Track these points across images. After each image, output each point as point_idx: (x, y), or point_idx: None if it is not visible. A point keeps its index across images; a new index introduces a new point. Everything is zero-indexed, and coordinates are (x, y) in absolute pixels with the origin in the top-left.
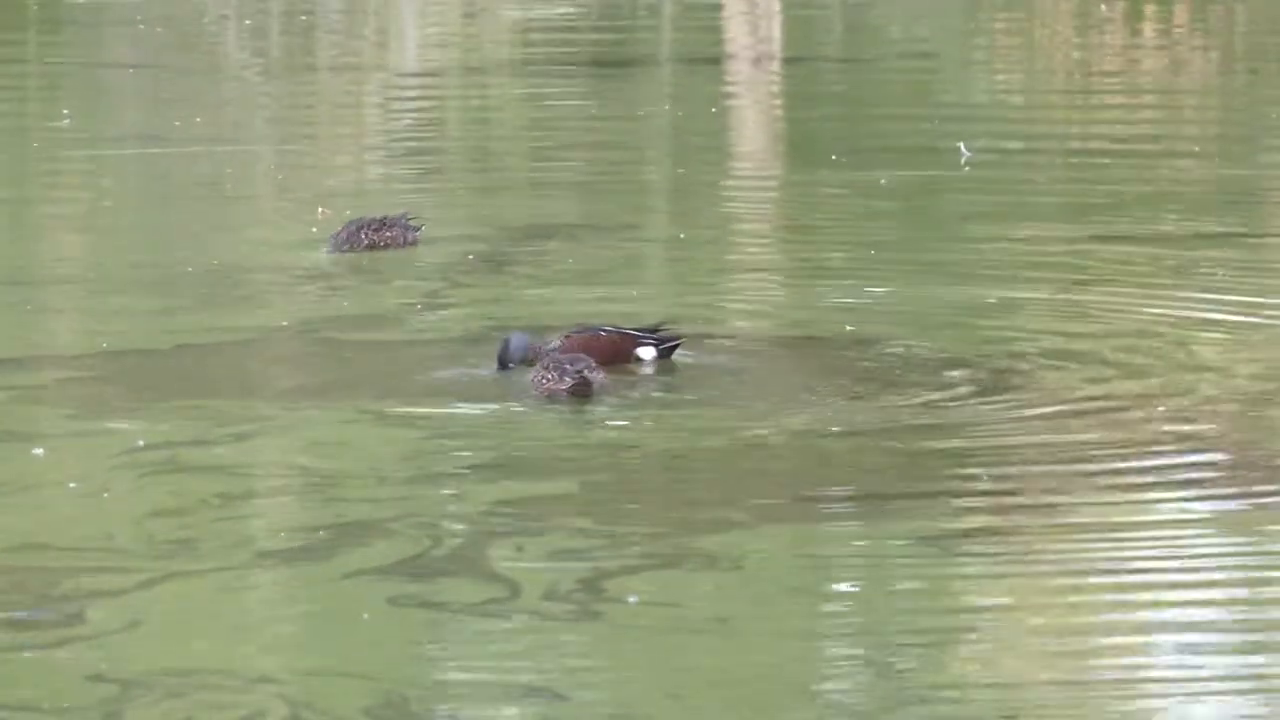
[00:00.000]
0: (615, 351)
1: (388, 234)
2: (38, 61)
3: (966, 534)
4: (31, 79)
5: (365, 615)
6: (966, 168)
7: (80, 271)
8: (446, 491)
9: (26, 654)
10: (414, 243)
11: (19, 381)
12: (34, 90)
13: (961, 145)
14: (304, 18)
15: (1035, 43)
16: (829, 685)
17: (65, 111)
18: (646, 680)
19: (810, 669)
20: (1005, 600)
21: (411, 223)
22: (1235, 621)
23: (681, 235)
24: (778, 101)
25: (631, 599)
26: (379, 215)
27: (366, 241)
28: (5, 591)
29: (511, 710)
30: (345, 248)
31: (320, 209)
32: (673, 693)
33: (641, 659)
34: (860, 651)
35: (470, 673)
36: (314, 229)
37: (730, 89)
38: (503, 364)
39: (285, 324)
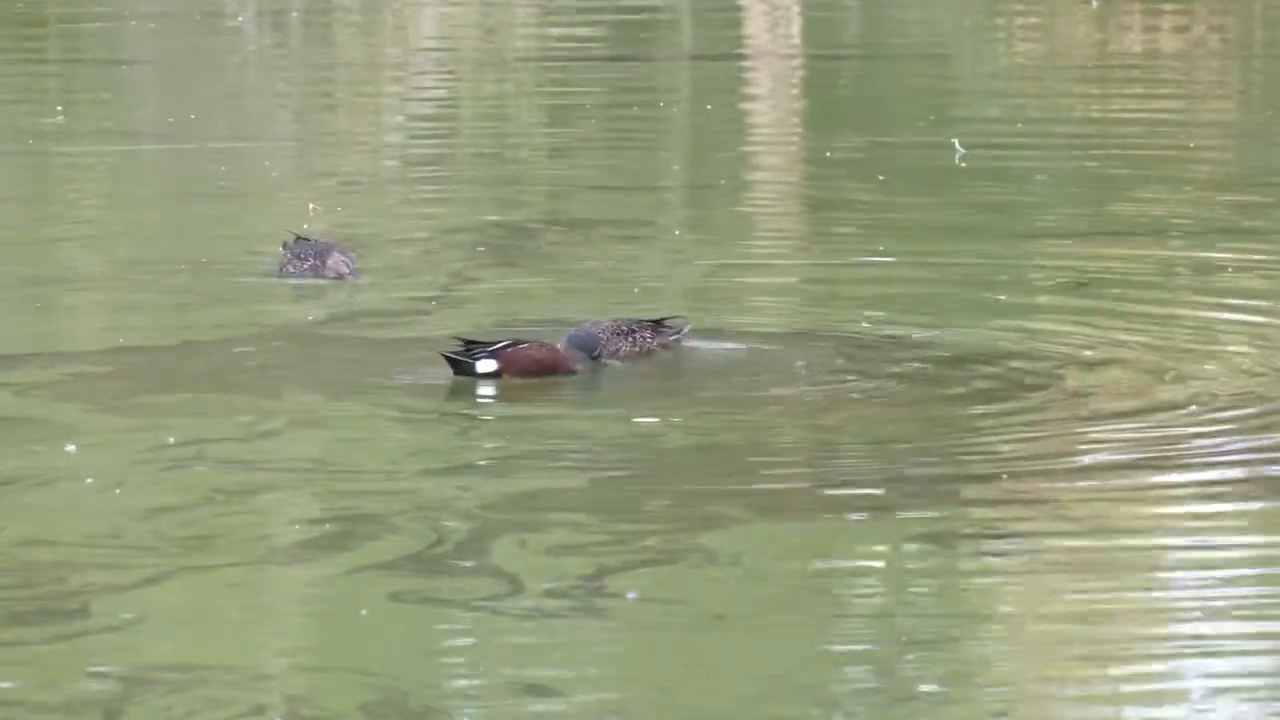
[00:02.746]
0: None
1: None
2: (29, 59)
3: (970, 532)
4: (21, 76)
5: (364, 611)
6: (962, 164)
7: (85, 268)
8: (455, 487)
9: (30, 649)
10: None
11: (34, 378)
12: (26, 87)
13: (955, 141)
14: (294, 14)
15: (1052, 30)
16: (826, 682)
17: (59, 108)
18: (642, 677)
19: (807, 666)
20: (1009, 600)
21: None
22: (1250, 624)
23: (697, 230)
24: (795, 96)
25: (631, 595)
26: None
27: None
28: (13, 586)
29: (507, 706)
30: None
31: (311, 205)
32: (668, 689)
33: (638, 655)
34: (858, 649)
35: (469, 669)
36: (306, 225)
37: (748, 84)
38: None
39: (305, 319)
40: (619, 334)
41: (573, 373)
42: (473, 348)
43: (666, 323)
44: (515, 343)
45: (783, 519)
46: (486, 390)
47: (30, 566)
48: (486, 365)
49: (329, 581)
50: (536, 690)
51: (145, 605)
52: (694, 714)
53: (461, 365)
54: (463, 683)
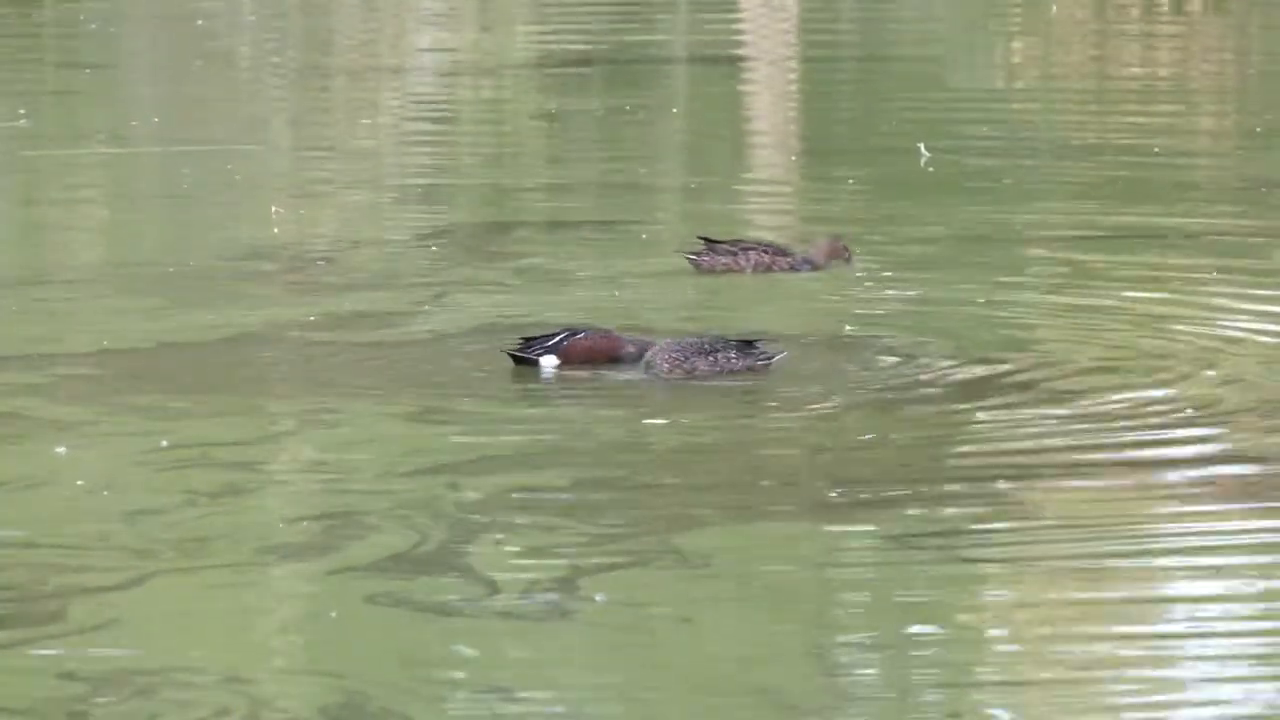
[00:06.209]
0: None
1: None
2: None
3: (952, 532)
4: None
5: (333, 613)
6: (929, 169)
7: (67, 270)
8: (441, 489)
9: (2, 650)
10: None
11: (23, 379)
12: None
13: (921, 146)
14: (251, 17)
15: (1050, 34)
16: (787, 684)
17: (21, 111)
18: (603, 680)
19: (770, 669)
20: (990, 603)
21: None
22: (1245, 625)
23: (692, 234)
24: (792, 99)
25: (599, 598)
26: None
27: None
28: None
29: (471, 709)
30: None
31: (274, 207)
32: (628, 693)
33: (602, 659)
34: (821, 651)
35: (435, 671)
36: (276, 229)
37: (745, 87)
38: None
39: (292, 322)
40: (699, 352)
41: (622, 359)
42: (532, 344)
43: (757, 345)
44: (572, 332)
45: (759, 521)
46: (482, 390)
47: (13, 567)
48: (549, 361)
49: (309, 583)
50: (499, 692)
51: (124, 608)
52: (653, 718)
53: (525, 362)
54: (427, 685)
